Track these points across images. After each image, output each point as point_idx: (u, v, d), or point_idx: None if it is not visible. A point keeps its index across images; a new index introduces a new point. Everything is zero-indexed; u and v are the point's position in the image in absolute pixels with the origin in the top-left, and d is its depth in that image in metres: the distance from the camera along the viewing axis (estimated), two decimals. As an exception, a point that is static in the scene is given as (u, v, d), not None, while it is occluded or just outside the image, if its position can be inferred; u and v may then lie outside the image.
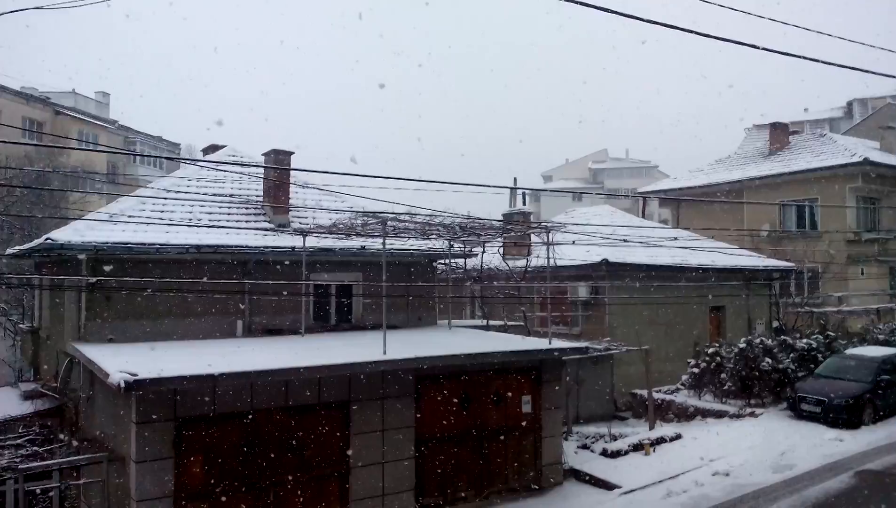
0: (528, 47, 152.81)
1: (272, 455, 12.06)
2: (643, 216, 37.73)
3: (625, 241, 20.52)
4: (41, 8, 7.47)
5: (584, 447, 17.40)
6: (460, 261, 21.47)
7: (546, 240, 15.86)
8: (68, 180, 35.34)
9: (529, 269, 21.63)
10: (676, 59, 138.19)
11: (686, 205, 37.21)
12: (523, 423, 15.12)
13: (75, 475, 13.73)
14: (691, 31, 7.68)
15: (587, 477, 15.62)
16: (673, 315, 23.24)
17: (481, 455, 14.50)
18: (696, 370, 21.36)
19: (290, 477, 12.21)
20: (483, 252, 20.85)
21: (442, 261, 20.81)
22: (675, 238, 24.98)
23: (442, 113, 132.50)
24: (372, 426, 13.13)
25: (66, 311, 16.23)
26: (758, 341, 21.16)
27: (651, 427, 18.85)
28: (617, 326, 22.11)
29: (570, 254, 21.39)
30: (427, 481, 13.81)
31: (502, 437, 14.84)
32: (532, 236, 20.80)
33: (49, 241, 14.50)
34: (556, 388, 15.81)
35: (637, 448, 17.01)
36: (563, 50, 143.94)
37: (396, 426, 13.41)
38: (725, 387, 20.77)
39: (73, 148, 30.75)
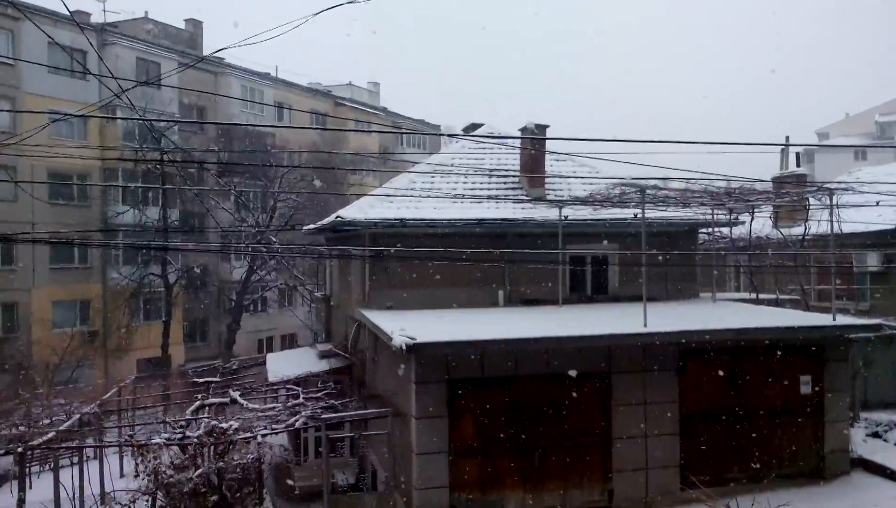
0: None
1: (535, 420, 12.53)
2: (952, 173, 32.04)
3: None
4: (354, 2, 8.16)
5: (875, 435, 15.67)
6: (725, 230, 20.16)
7: (829, 203, 14.27)
8: (348, 163, 39.39)
9: (808, 237, 19.65)
10: None
11: None
12: (801, 405, 13.91)
13: (363, 426, 15.55)
14: None
15: (880, 469, 13.99)
16: None
17: (751, 436, 13.62)
18: None
19: (552, 443, 12.61)
20: (752, 219, 19.35)
21: (705, 230, 19.73)
22: None
23: (693, 70, 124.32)
24: (633, 399, 13.00)
25: (352, 280, 18.26)
26: None
27: (963, 419, 16.26)
28: (918, 301, 19.29)
29: (855, 219, 18.98)
30: (692, 458, 13.35)
31: (776, 419, 13.78)
32: (810, 200, 18.78)
33: (338, 218, 16.38)
34: (842, 369, 14.28)
35: (945, 441, 14.83)
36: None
37: (659, 400, 13.13)
38: None
39: (351, 130, 34.07)
